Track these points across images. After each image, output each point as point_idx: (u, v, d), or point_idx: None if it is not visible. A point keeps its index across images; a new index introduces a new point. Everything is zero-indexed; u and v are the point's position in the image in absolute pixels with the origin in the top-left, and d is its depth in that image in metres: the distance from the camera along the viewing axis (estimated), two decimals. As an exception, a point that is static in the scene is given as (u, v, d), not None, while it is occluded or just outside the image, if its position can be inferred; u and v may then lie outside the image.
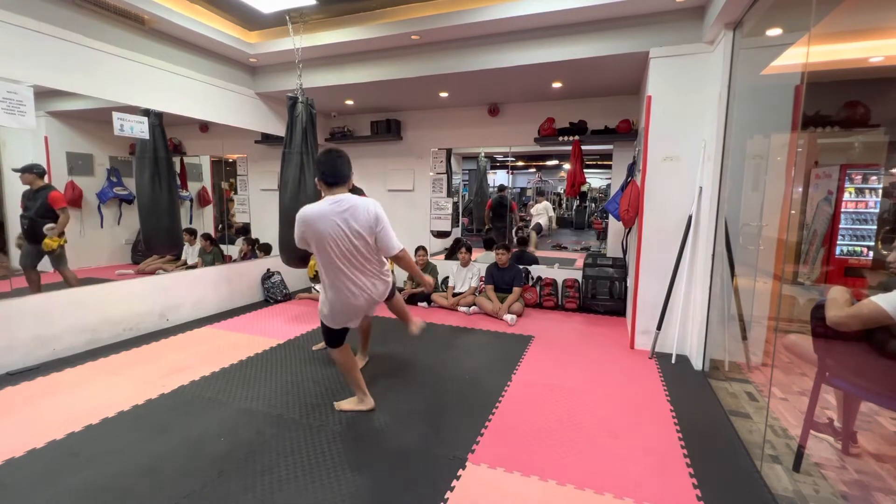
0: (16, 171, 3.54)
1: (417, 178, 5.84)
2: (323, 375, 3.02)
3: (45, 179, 3.69)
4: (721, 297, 3.14)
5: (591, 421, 2.45)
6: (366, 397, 2.50)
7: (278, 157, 3.77)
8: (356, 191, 2.97)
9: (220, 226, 5.86)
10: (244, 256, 5.33)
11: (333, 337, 2.37)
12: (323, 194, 2.16)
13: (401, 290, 5.05)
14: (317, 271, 2.78)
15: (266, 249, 5.51)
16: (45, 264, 3.68)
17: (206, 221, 5.72)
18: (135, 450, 2.12)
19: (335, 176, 2.11)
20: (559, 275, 5.14)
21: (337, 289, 2.18)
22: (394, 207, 5.77)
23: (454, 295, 4.84)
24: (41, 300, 3.26)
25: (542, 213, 7.42)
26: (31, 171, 3.59)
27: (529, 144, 5.18)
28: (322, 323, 2.37)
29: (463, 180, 7.94)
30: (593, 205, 10.61)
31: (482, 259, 5.51)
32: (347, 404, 2.51)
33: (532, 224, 7.08)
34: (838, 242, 3.69)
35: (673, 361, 3.32)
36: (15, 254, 3.64)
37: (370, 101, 5.35)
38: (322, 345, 3.38)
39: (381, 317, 4.07)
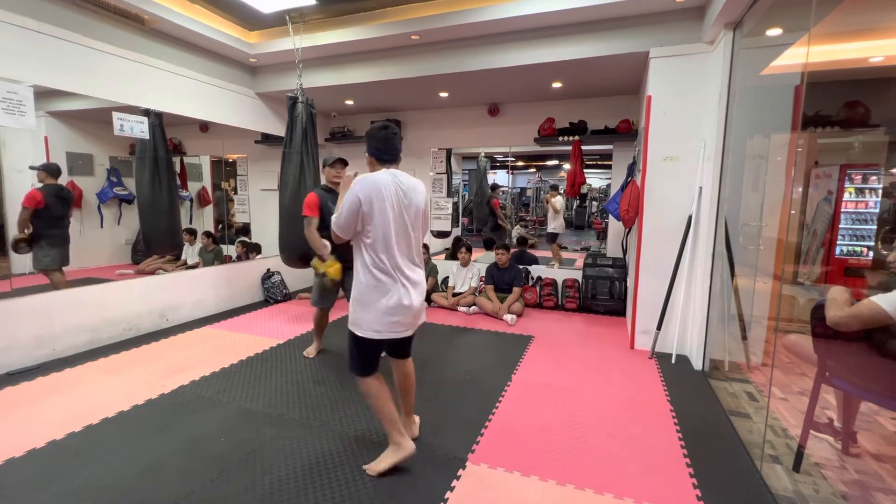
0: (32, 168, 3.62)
1: (417, 178, 5.82)
2: (323, 375, 3.02)
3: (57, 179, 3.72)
4: (721, 297, 3.14)
5: (591, 421, 2.45)
6: (403, 439, 1.95)
7: (278, 157, 3.77)
8: None
9: (220, 226, 5.85)
10: (239, 258, 5.35)
11: (365, 358, 1.92)
12: (371, 169, 1.95)
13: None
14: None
15: (256, 249, 5.51)
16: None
17: (206, 221, 5.71)
18: (135, 450, 2.12)
19: (391, 153, 1.93)
20: (559, 275, 5.14)
21: (383, 279, 1.82)
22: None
23: (454, 295, 4.84)
24: (41, 300, 3.26)
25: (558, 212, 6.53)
26: (39, 169, 3.64)
27: (529, 144, 5.18)
28: (352, 339, 1.90)
29: (463, 180, 7.94)
30: (594, 204, 10.61)
31: (482, 259, 5.51)
32: (383, 463, 1.94)
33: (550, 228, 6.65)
34: (838, 242, 3.69)
35: (673, 361, 3.32)
36: (16, 255, 3.63)
37: (370, 101, 5.35)
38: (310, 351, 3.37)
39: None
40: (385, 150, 1.92)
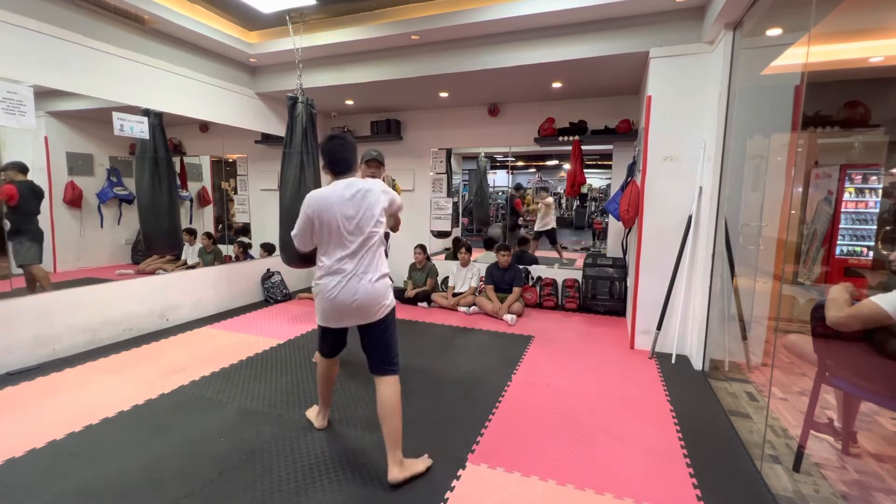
0: None
1: (417, 178, 5.84)
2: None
3: (27, 175, 3.61)
4: (721, 297, 3.14)
5: (591, 421, 2.45)
6: (319, 416, 2.34)
7: (278, 157, 3.76)
8: None
9: (220, 226, 5.85)
10: (237, 259, 5.34)
11: (320, 340, 2.19)
12: (330, 180, 2.02)
13: (402, 289, 5.05)
14: None
15: (269, 249, 5.51)
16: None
17: (206, 221, 5.71)
18: (135, 450, 2.12)
19: (339, 164, 1.99)
20: (559, 275, 5.14)
21: (330, 277, 1.93)
22: (394, 207, 5.77)
23: (454, 295, 4.84)
24: (41, 300, 3.26)
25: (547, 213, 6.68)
26: (6, 168, 3.52)
27: (529, 144, 5.18)
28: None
29: (463, 180, 7.95)
30: (594, 204, 10.59)
31: (482, 259, 5.51)
32: (310, 411, 2.44)
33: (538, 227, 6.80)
34: (838, 242, 3.69)
35: (673, 361, 3.32)
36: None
37: (370, 101, 5.35)
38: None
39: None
40: (335, 163, 2.00)
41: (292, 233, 2.02)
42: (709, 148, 3.15)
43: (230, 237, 5.71)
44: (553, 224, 6.61)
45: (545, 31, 3.66)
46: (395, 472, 1.88)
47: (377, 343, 1.98)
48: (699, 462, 2.07)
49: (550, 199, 6.59)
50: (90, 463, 2.02)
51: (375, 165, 2.78)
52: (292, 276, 5.40)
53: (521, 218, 7.48)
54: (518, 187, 7.66)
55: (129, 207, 4.79)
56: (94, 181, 4.55)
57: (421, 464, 1.98)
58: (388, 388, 1.94)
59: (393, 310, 2.03)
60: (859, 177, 3.66)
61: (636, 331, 3.61)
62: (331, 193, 1.92)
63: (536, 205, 6.59)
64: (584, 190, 10.24)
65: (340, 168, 2.00)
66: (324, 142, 2.02)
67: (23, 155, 3.69)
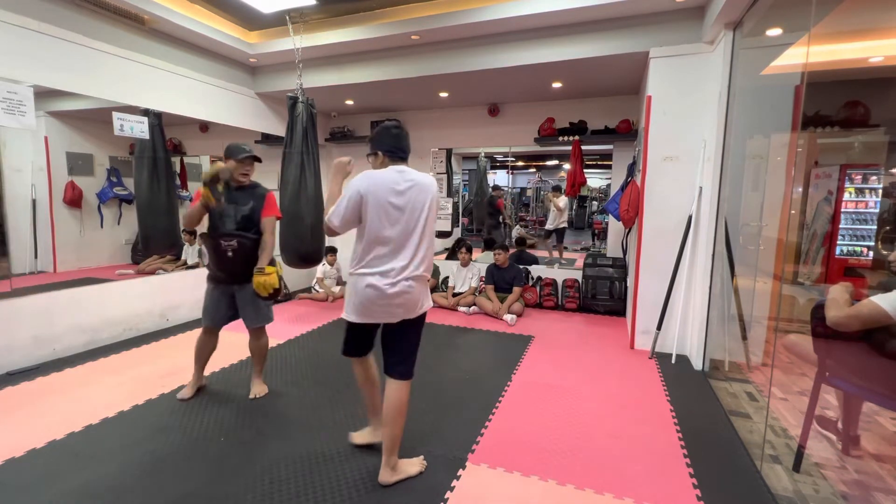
0: None
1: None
2: (324, 377, 3.02)
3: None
4: (721, 297, 3.14)
5: (591, 421, 2.45)
6: (372, 430, 2.17)
7: (278, 156, 3.76)
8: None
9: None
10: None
11: (349, 339, 2.04)
12: (375, 167, 1.92)
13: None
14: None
15: None
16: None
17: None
18: (135, 450, 2.12)
19: (404, 151, 1.93)
20: (559, 275, 5.14)
21: (372, 273, 1.82)
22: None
23: (454, 295, 4.84)
24: (41, 300, 3.25)
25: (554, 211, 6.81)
26: None
27: (529, 144, 5.18)
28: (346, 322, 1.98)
29: (463, 180, 7.95)
30: (594, 204, 10.61)
31: (482, 259, 5.51)
32: (359, 435, 2.21)
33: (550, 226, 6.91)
34: (838, 242, 3.69)
35: (673, 361, 3.32)
36: (16, 255, 3.61)
37: (370, 101, 5.35)
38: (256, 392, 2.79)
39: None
40: (400, 149, 1.92)
41: (332, 211, 1.82)
42: (709, 148, 3.15)
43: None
44: (566, 223, 6.72)
45: (545, 31, 3.66)
46: (386, 476, 1.88)
47: (406, 342, 2.00)
48: (699, 462, 2.07)
49: (566, 200, 6.72)
50: (90, 463, 2.02)
51: (250, 163, 2.65)
52: (292, 276, 5.40)
53: (503, 217, 7.55)
54: (496, 188, 7.74)
55: (129, 207, 4.79)
56: (94, 181, 4.56)
57: (414, 466, 1.98)
58: (397, 393, 1.90)
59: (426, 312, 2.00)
60: (859, 177, 3.66)
61: (636, 331, 3.61)
62: (389, 174, 1.83)
63: (557, 198, 6.69)
64: (585, 192, 10.28)
65: (403, 156, 1.93)
66: (386, 129, 1.93)
67: (23, 155, 3.69)
